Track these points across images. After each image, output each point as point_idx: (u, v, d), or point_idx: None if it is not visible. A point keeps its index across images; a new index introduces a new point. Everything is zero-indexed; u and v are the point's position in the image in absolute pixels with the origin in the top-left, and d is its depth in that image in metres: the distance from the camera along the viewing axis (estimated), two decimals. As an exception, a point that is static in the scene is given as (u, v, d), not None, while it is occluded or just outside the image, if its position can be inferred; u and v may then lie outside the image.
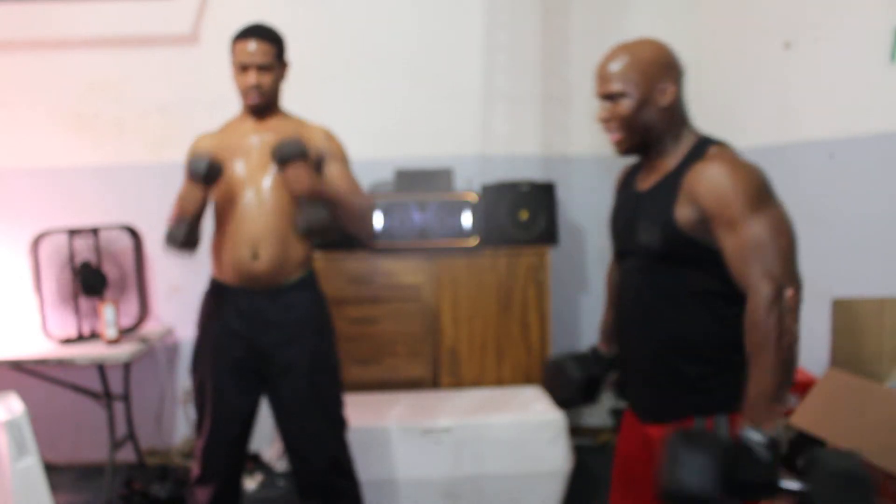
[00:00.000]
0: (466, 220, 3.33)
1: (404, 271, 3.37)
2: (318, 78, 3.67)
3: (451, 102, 3.77)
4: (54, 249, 3.32)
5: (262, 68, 2.29)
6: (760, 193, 1.47)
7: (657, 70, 1.58)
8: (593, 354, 1.85)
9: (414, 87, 3.75)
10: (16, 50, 3.61)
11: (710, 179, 1.49)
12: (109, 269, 3.39)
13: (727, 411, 1.53)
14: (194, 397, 2.43)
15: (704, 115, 3.71)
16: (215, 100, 3.65)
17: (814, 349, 2.75)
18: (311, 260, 2.44)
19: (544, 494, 2.89)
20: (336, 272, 3.33)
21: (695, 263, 1.54)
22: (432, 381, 3.39)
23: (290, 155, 2.20)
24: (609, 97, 1.60)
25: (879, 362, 2.56)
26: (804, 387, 2.60)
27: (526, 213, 3.40)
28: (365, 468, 2.62)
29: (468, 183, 3.53)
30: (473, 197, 3.35)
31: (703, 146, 1.59)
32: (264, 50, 2.29)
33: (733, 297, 1.49)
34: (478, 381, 3.40)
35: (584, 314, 3.91)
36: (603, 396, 1.76)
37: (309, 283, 2.42)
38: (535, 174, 3.72)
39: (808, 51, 2.99)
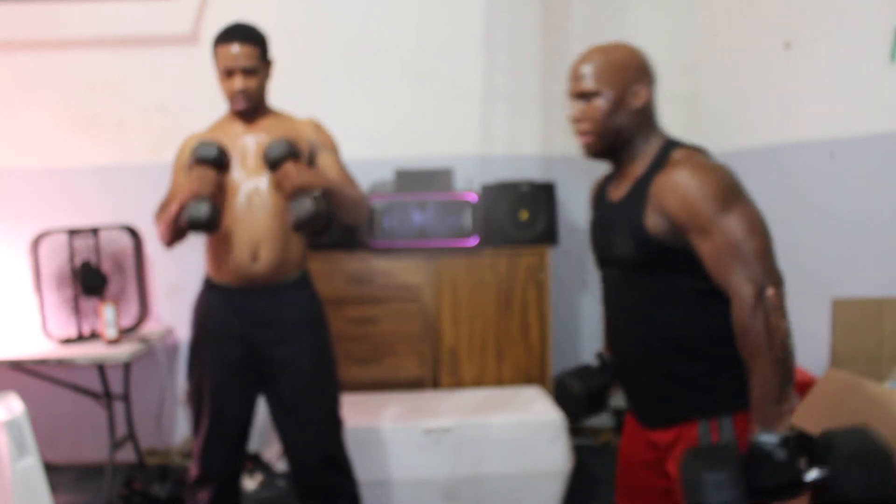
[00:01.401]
0: (466, 220, 3.33)
1: (404, 271, 3.37)
2: (318, 77, 3.67)
3: (451, 102, 3.77)
4: (54, 249, 3.32)
5: (247, 72, 2.26)
6: (727, 194, 1.46)
7: (631, 72, 1.58)
8: (599, 361, 1.85)
9: (414, 86, 3.74)
10: (16, 50, 3.61)
11: (674, 189, 1.48)
12: (109, 269, 3.39)
13: (730, 411, 1.53)
14: (191, 398, 2.43)
15: (704, 115, 3.74)
16: (215, 100, 3.65)
17: (814, 349, 2.75)
18: (306, 260, 2.44)
19: (544, 494, 2.89)
20: (336, 272, 3.33)
21: (672, 268, 1.54)
22: (432, 381, 3.39)
23: (280, 156, 2.19)
24: (582, 96, 1.60)
25: (879, 362, 2.56)
26: (804, 387, 2.60)
27: (526, 213, 3.40)
28: (365, 468, 2.62)
29: (468, 183, 3.53)
30: (473, 197, 3.35)
31: (668, 150, 1.58)
32: (248, 53, 2.25)
33: (718, 292, 1.49)
34: (478, 381, 3.40)
35: (584, 314, 3.91)
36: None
37: (305, 282, 2.42)
38: (535, 174, 3.72)
39: (808, 51, 2.99)
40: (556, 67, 3.82)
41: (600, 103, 1.57)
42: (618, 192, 1.64)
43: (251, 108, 2.32)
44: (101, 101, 3.64)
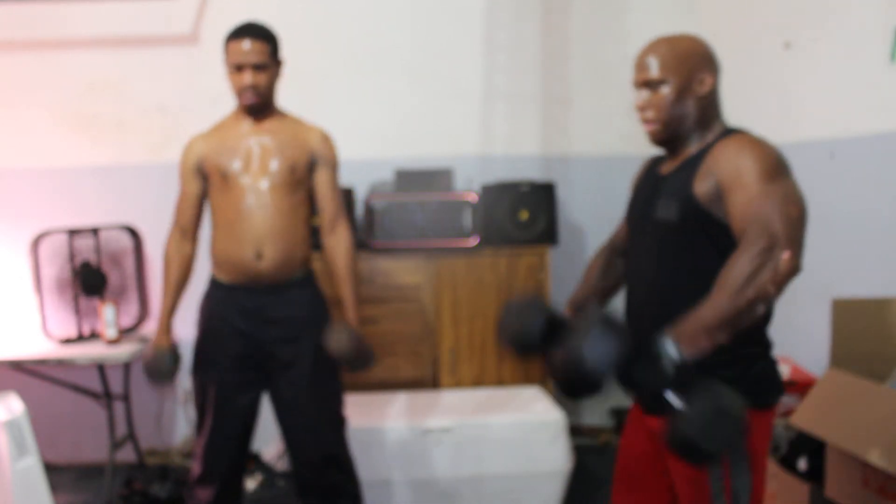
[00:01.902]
0: (466, 220, 3.33)
1: (404, 271, 3.37)
2: (318, 77, 3.67)
3: (451, 102, 3.76)
4: (54, 249, 3.32)
5: (257, 68, 2.28)
6: (776, 168, 1.47)
7: (696, 60, 1.59)
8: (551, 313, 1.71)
9: (414, 86, 3.74)
10: (16, 50, 3.61)
11: (727, 153, 1.51)
12: (109, 269, 3.39)
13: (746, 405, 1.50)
14: (195, 397, 2.44)
15: (704, 115, 3.73)
16: (215, 100, 3.65)
17: (814, 349, 2.75)
18: (311, 259, 2.46)
19: (544, 494, 2.89)
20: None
21: (709, 239, 1.53)
22: (432, 381, 3.39)
23: (361, 366, 2.37)
24: (647, 85, 1.61)
25: (879, 362, 2.56)
26: (804, 387, 2.60)
27: (526, 213, 3.40)
28: (365, 468, 2.62)
29: (468, 183, 3.53)
30: (473, 197, 3.35)
31: (727, 133, 1.60)
32: (259, 49, 2.27)
33: None
34: (478, 381, 3.40)
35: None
36: (604, 397, 1.71)
37: (309, 280, 2.45)
38: (535, 174, 3.71)
39: (808, 51, 2.99)
40: (556, 67, 3.82)
41: (666, 91, 1.58)
42: (669, 168, 1.66)
43: (260, 105, 2.33)
44: (101, 101, 3.64)
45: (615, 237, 1.91)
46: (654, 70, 1.58)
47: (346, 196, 3.37)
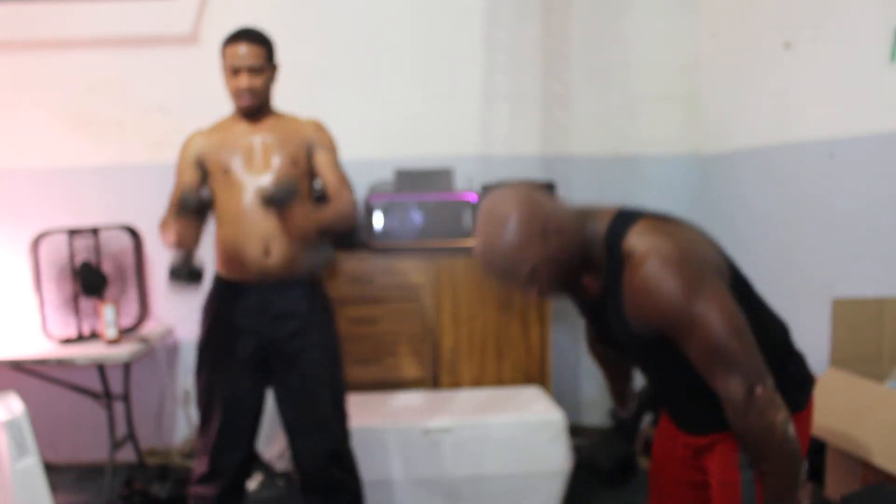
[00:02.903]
0: (466, 220, 3.33)
1: (404, 271, 3.37)
2: (319, 78, 3.67)
3: (451, 102, 3.76)
4: (54, 249, 3.31)
5: (252, 70, 2.32)
6: (692, 290, 1.38)
7: (535, 241, 1.44)
8: (614, 422, 1.82)
9: (414, 87, 3.74)
10: (16, 50, 3.60)
11: (644, 303, 1.42)
12: (109, 269, 3.39)
13: None
14: (199, 397, 2.44)
15: (704, 115, 3.74)
16: (215, 100, 3.65)
17: (814, 349, 2.74)
18: None
19: (544, 494, 2.89)
20: (336, 272, 3.33)
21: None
22: (432, 381, 3.39)
23: (281, 201, 2.24)
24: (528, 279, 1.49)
25: (879, 362, 2.56)
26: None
27: (526, 213, 3.39)
28: (365, 468, 2.62)
29: (468, 183, 3.53)
30: (473, 197, 3.35)
31: (615, 243, 1.47)
32: (255, 52, 2.32)
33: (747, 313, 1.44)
34: (478, 381, 3.39)
35: (584, 314, 3.90)
36: (601, 396, 1.77)
37: (314, 278, 2.48)
38: (535, 174, 3.71)
39: (808, 51, 2.99)
40: (556, 67, 3.82)
41: (541, 275, 1.46)
42: (593, 288, 1.55)
43: (255, 107, 2.37)
44: (101, 101, 3.64)
45: (589, 338, 1.87)
46: (514, 275, 1.46)
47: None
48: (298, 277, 2.40)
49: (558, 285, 1.53)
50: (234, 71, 2.32)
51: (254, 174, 2.36)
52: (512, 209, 1.44)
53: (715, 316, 1.38)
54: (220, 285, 2.44)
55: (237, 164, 2.36)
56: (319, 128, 2.47)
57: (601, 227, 1.50)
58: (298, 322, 2.39)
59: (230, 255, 2.38)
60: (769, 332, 1.53)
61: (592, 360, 1.90)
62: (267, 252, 2.33)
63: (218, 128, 2.45)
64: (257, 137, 2.38)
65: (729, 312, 1.39)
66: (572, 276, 1.52)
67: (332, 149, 2.46)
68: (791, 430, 1.40)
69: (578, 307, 1.71)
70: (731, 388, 1.39)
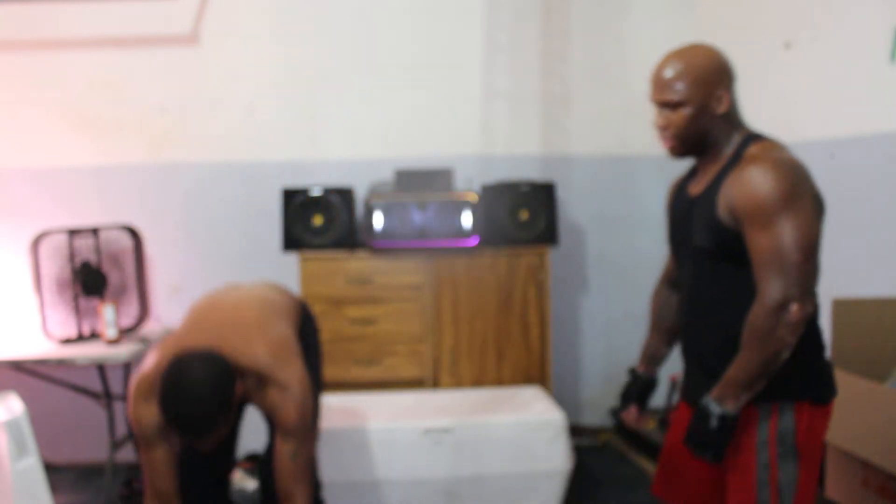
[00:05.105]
0: (466, 220, 3.33)
1: (404, 271, 3.37)
2: (318, 78, 3.67)
3: (451, 102, 3.77)
4: (54, 249, 3.31)
5: None
6: (788, 197, 1.50)
7: (713, 78, 1.62)
8: (632, 377, 1.95)
9: (414, 87, 3.74)
10: (16, 50, 3.60)
11: (741, 185, 1.54)
12: (109, 269, 3.39)
13: (792, 399, 1.59)
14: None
15: (704, 115, 3.73)
16: (215, 100, 3.67)
17: (814, 349, 2.74)
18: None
19: (544, 494, 2.89)
20: (336, 272, 3.33)
21: (744, 259, 1.58)
22: (432, 381, 3.39)
23: None
24: (666, 105, 1.63)
25: (879, 362, 2.56)
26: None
27: (526, 213, 3.40)
28: (365, 468, 2.62)
29: (468, 183, 3.53)
30: (473, 197, 3.34)
31: (746, 145, 1.62)
32: None
33: None
34: (478, 381, 3.40)
35: (584, 314, 3.91)
36: (601, 396, 1.81)
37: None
38: (535, 174, 3.72)
39: (808, 51, 2.99)
40: (556, 67, 3.82)
41: (685, 112, 1.61)
42: (697, 188, 1.69)
43: None
44: (101, 101, 3.64)
45: (666, 268, 1.96)
46: (672, 92, 1.61)
47: (346, 196, 3.37)
48: None
49: (691, 140, 1.64)
50: None
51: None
52: (717, 54, 1.65)
53: (797, 225, 1.50)
54: None
55: None
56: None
57: (743, 129, 1.66)
58: None
59: None
60: (816, 320, 1.63)
61: (650, 307, 1.97)
62: None
63: None
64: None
65: (810, 231, 1.53)
66: (705, 141, 1.64)
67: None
68: (785, 355, 1.52)
69: (671, 207, 1.82)
70: (771, 290, 1.49)
